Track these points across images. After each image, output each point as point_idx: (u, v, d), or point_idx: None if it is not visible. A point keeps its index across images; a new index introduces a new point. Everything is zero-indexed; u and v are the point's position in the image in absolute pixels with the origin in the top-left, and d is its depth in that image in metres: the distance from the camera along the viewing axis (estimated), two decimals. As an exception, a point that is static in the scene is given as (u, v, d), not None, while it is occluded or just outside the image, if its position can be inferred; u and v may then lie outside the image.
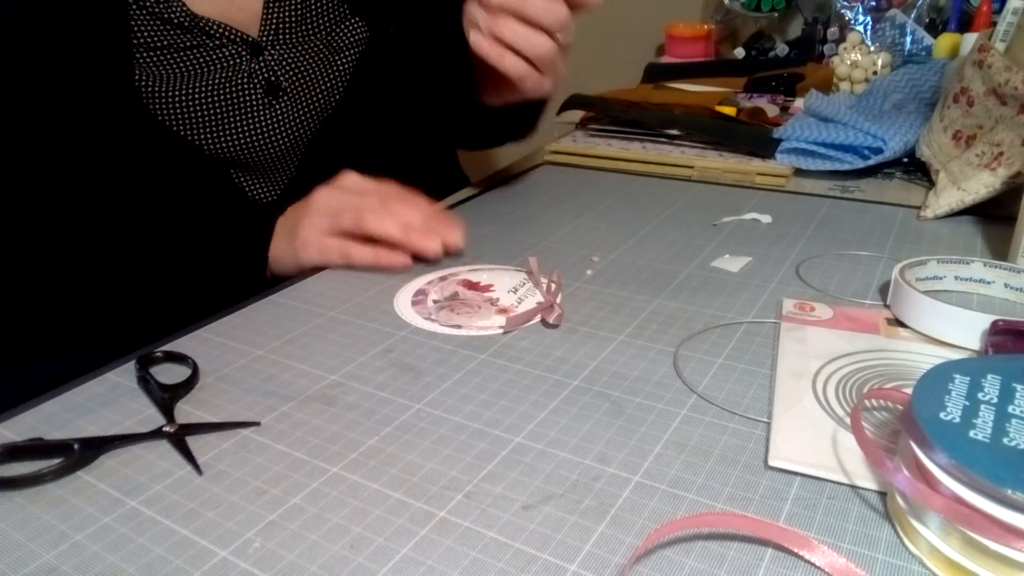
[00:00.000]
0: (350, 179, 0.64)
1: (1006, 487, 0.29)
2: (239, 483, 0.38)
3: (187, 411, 0.44)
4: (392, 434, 0.42)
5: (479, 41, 0.59)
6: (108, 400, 0.46)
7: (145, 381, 0.46)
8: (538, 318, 0.54)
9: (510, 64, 0.59)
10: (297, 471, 0.39)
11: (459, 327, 0.53)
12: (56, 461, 0.39)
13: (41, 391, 0.47)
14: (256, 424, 0.43)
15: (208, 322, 0.55)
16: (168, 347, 0.51)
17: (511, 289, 0.59)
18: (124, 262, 0.68)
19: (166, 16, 0.67)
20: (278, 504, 0.37)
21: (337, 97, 0.77)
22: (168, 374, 0.48)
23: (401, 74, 0.81)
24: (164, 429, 0.42)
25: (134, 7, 0.67)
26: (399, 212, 0.61)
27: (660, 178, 0.86)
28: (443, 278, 0.61)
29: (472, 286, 0.60)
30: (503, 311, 0.55)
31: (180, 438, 0.41)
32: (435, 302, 0.57)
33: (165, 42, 0.68)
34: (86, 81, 0.66)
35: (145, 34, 0.67)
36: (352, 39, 0.77)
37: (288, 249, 0.63)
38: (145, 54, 0.67)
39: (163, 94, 0.67)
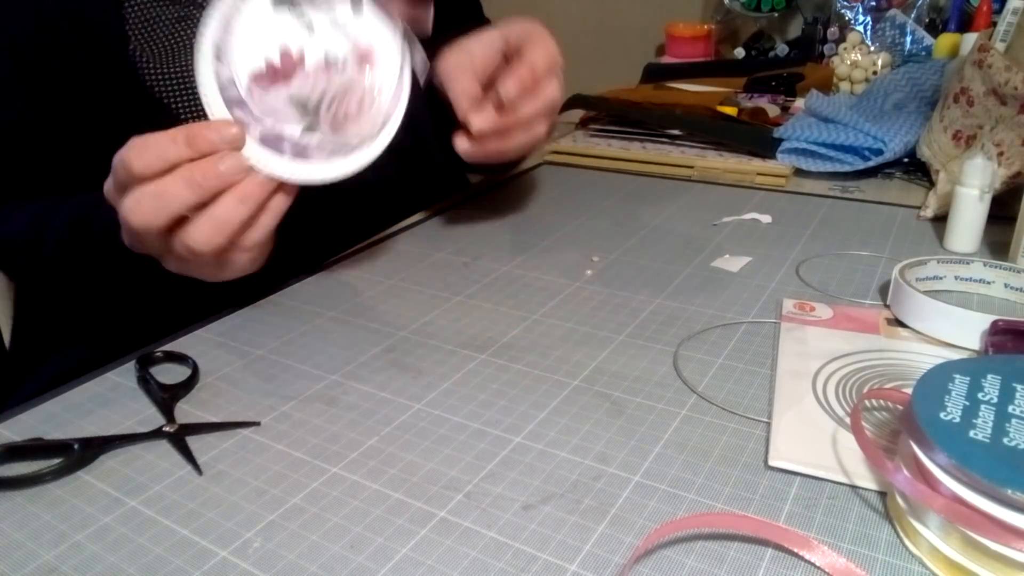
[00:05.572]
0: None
1: (1006, 487, 0.29)
2: (239, 483, 0.38)
3: (187, 411, 0.44)
4: (392, 434, 0.42)
5: (471, 151, 0.63)
6: (108, 400, 0.46)
7: (145, 381, 0.46)
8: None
9: (514, 152, 0.64)
10: (297, 471, 0.39)
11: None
12: (56, 461, 0.39)
13: (41, 391, 0.47)
14: (256, 424, 0.43)
15: (208, 322, 0.55)
16: (168, 347, 0.51)
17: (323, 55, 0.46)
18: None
19: None
20: (278, 504, 0.37)
21: None
22: (168, 374, 0.48)
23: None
24: (164, 429, 0.42)
25: None
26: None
27: (660, 178, 0.86)
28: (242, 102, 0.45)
29: (274, 76, 0.45)
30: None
31: (180, 438, 0.41)
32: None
33: (154, 15, 0.67)
34: (80, 58, 0.65)
35: (135, 10, 0.67)
36: None
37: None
38: (138, 29, 0.67)
39: (158, 69, 0.67)
